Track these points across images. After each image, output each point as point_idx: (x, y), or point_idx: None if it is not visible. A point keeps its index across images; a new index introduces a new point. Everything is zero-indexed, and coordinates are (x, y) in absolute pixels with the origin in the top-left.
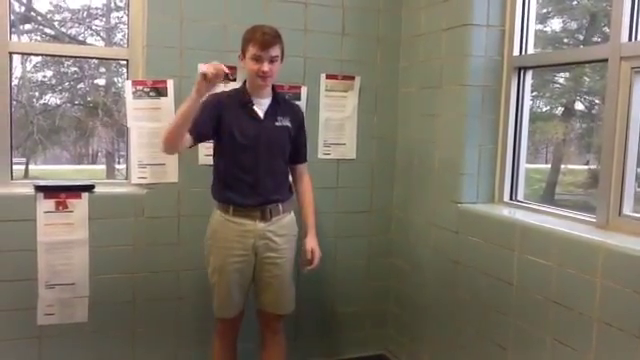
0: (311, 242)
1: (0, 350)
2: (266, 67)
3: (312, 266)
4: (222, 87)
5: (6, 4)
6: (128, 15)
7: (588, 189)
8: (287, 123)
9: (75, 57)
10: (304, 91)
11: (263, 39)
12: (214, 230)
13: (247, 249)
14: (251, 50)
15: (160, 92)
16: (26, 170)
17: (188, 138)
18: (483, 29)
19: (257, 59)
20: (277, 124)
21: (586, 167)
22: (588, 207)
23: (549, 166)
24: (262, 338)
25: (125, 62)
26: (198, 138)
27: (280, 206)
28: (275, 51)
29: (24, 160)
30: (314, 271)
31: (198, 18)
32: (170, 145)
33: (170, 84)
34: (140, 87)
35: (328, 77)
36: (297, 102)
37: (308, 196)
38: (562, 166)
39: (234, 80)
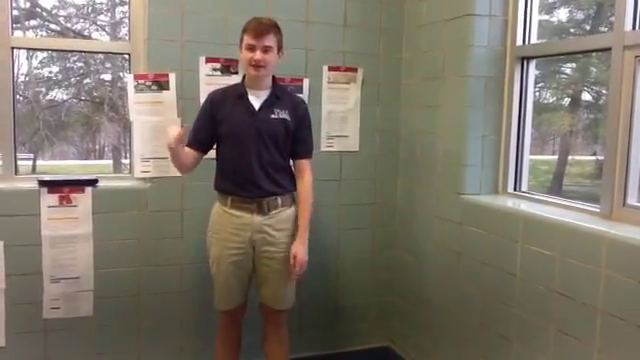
0: (296, 247)
1: (7, 343)
2: (258, 55)
3: (294, 274)
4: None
5: None
6: (130, 8)
7: (595, 180)
8: (285, 116)
9: (77, 51)
10: (306, 83)
11: (256, 28)
12: (213, 222)
13: (244, 242)
14: (245, 39)
15: (162, 85)
16: (33, 166)
17: (191, 152)
18: (486, 19)
19: (250, 48)
20: (273, 116)
21: (593, 158)
22: (595, 198)
23: (556, 157)
24: (264, 331)
25: (127, 56)
26: (200, 146)
27: (279, 199)
28: (269, 41)
29: (31, 156)
30: (300, 278)
31: (199, 11)
32: (183, 171)
33: (172, 77)
34: (142, 81)
35: (330, 69)
36: (299, 95)
37: (304, 195)
38: (569, 157)
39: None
